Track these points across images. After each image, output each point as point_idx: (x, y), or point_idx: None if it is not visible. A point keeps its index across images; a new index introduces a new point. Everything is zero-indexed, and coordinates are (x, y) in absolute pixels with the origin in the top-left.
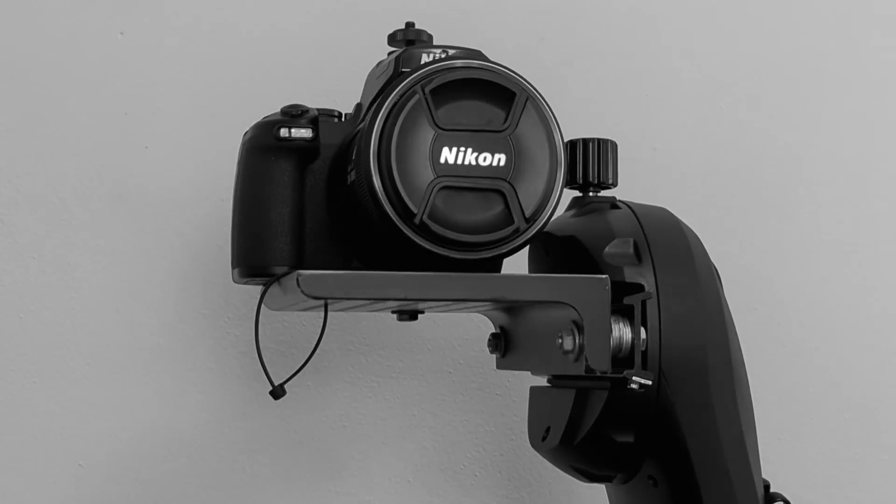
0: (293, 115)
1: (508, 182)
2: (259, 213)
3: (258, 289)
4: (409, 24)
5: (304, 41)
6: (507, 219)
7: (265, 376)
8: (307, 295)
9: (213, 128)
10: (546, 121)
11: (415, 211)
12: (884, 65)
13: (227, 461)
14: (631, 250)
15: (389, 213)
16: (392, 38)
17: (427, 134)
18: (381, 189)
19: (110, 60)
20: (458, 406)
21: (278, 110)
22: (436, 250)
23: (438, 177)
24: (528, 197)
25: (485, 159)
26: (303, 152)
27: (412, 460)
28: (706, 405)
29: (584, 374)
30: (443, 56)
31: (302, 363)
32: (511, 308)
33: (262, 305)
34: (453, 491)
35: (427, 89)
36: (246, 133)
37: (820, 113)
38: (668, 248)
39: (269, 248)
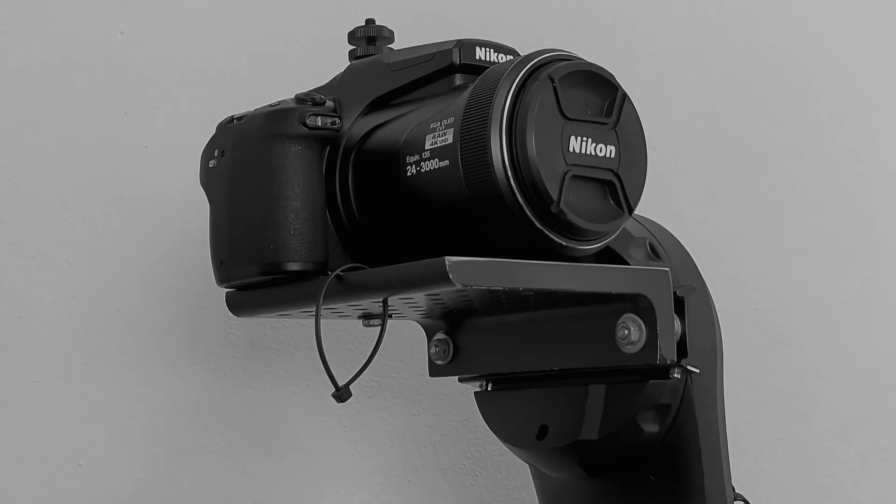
0: (316, 102)
1: (617, 174)
2: (285, 205)
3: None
4: (370, 21)
5: (306, 40)
6: (618, 209)
7: (325, 377)
8: (460, 283)
9: (213, 128)
10: (638, 117)
11: (554, 198)
12: (884, 64)
13: (227, 461)
14: (649, 250)
15: (521, 201)
16: (352, 36)
17: (557, 123)
18: (514, 177)
19: (110, 60)
20: (458, 406)
21: (267, 103)
22: (558, 240)
23: (569, 165)
24: (631, 189)
25: (601, 150)
26: (324, 142)
27: (412, 460)
28: (714, 400)
29: (655, 364)
30: (508, 55)
31: (363, 364)
32: (455, 313)
33: (233, 314)
34: (453, 491)
35: (557, 78)
36: (240, 122)
37: (820, 113)
38: (675, 251)
39: (296, 242)
